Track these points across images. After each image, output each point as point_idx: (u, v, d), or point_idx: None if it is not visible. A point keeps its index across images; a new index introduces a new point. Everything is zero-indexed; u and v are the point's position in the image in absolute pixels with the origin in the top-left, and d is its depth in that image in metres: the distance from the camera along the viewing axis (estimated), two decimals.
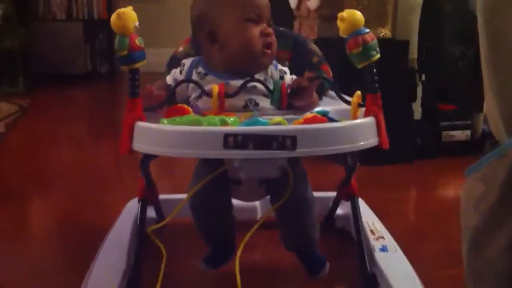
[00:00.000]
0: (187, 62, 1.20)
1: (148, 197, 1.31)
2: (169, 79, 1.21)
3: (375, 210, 1.57)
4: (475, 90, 2.29)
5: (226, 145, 0.92)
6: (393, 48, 2.21)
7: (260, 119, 0.97)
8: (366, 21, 1.06)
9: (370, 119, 1.03)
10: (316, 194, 1.25)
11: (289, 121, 1.01)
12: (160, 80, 1.21)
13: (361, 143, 0.99)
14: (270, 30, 1.15)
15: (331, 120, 1.05)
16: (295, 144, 0.92)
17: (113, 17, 0.99)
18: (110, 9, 4.71)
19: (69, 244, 1.54)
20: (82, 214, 1.76)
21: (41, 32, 4.44)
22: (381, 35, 2.24)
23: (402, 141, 2.24)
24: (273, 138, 0.91)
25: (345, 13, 1.04)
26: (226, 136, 0.91)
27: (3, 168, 2.34)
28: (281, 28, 1.38)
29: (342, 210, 1.56)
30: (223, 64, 1.14)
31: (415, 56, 2.43)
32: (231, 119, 0.99)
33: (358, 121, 1.01)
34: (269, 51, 1.15)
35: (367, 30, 1.04)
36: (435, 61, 2.37)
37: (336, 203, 1.51)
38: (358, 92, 1.09)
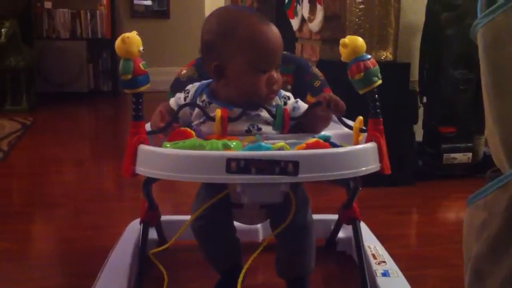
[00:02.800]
0: (192, 89, 1.21)
1: (150, 219, 1.31)
2: (172, 103, 1.21)
3: (377, 233, 1.57)
4: (477, 112, 2.30)
5: (228, 170, 0.92)
6: (394, 70, 2.22)
7: (262, 144, 0.98)
8: (367, 43, 1.07)
9: (372, 145, 1.03)
10: (317, 216, 1.24)
11: (292, 146, 1.02)
12: (164, 103, 1.22)
13: (363, 168, 0.99)
14: (277, 77, 1.15)
15: (333, 145, 1.05)
16: (297, 170, 0.92)
17: (118, 42, 1.00)
18: (114, 29, 4.76)
19: (71, 265, 1.54)
20: (85, 234, 1.76)
21: (46, 50, 4.48)
22: (382, 58, 2.25)
23: (403, 163, 2.24)
24: (275, 163, 0.92)
25: (347, 39, 1.05)
26: (229, 160, 0.92)
27: (5, 187, 2.34)
28: (284, 52, 1.39)
29: (343, 233, 1.56)
30: (227, 97, 1.15)
31: (417, 78, 2.44)
32: (234, 143, 0.99)
33: (360, 146, 1.02)
34: (273, 95, 1.16)
35: (369, 56, 1.05)
36: (436, 84, 2.37)
37: (337, 226, 1.51)
38: (360, 118, 1.09)
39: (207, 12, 4.45)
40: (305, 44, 2.67)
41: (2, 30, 3.73)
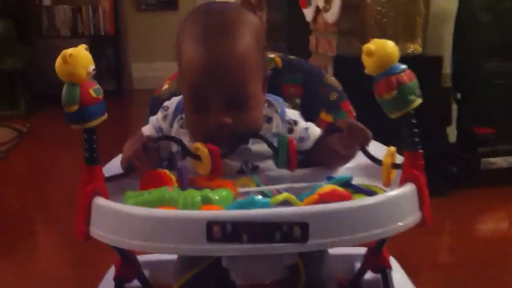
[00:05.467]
0: (171, 105, 0.95)
1: (125, 275, 1.05)
2: (148, 129, 0.95)
3: (404, 263, 1.29)
4: None
5: (210, 237, 0.66)
6: (424, 65, 1.94)
7: (257, 198, 0.71)
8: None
9: (410, 188, 0.76)
10: (338, 250, 0.95)
11: (299, 194, 0.74)
12: (138, 133, 0.95)
13: (399, 223, 0.73)
14: (222, 121, 0.84)
15: (356, 191, 0.77)
16: (306, 234, 0.66)
17: (58, 61, 0.74)
18: (118, 24, 4.50)
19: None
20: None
21: (45, 50, 4.23)
22: (409, 51, 1.98)
23: (435, 170, 1.95)
24: (275, 227, 0.66)
25: (373, 44, 0.77)
26: (210, 224, 0.66)
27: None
28: (290, 57, 1.11)
29: (370, 273, 1.28)
30: None
31: (449, 71, 2.16)
32: (218, 196, 0.72)
33: (394, 194, 0.74)
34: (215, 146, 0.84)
35: (404, 67, 0.77)
36: (470, 78, 2.11)
37: (363, 269, 1.22)
38: (392, 149, 0.82)
39: None
40: (320, 37, 2.38)
41: None
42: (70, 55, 0.73)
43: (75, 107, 0.75)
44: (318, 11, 2.36)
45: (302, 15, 2.52)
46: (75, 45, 0.78)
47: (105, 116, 0.78)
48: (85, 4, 4.45)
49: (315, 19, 2.41)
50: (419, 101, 0.78)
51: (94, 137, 0.78)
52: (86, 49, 0.76)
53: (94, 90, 0.76)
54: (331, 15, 2.18)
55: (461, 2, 2.08)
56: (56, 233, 1.84)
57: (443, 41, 2.18)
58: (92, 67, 0.76)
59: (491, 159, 2.11)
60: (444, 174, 2.06)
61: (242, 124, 0.85)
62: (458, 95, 2.16)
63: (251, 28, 0.87)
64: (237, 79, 0.83)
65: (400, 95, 0.76)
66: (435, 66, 2.01)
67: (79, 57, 0.75)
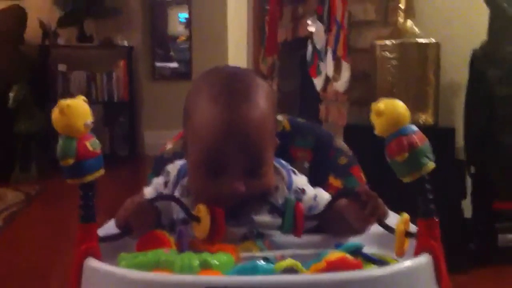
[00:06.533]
0: (172, 170, 0.90)
1: None
2: (148, 192, 0.90)
3: None
4: None
5: None
6: (436, 136, 1.86)
7: (259, 263, 0.65)
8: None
9: (425, 259, 0.70)
10: None
11: (306, 262, 0.69)
12: (139, 193, 0.91)
13: None
14: (236, 189, 0.79)
15: (367, 260, 0.72)
16: None
17: (55, 113, 0.71)
18: (132, 91, 4.57)
19: None
20: None
21: None
22: (421, 122, 1.94)
23: (452, 246, 1.86)
24: None
25: (383, 105, 0.74)
26: None
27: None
28: (299, 120, 1.08)
29: None
30: None
31: (461, 145, 2.11)
32: (216, 261, 0.67)
33: (408, 264, 0.68)
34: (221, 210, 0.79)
35: (415, 129, 0.74)
36: (487, 152, 2.05)
37: None
38: (406, 216, 0.77)
39: None
40: (330, 106, 2.37)
41: (10, 94, 3.55)
42: (68, 106, 0.71)
43: (71, 161, 0.71)
44: (327, 80, 2.36)
45: (313, 85, 2.52)
46: None
47: (102, 171, 0.75)
48: (100, 71, 4.54)
49: (324, 88, 2.41)
50: (432, 165, 0.73)
51: (91, 193, 0.74)
52: (84, 100, 0.74)
53: (91, 144, 0.73)
54: (341, 85, 2.17)
55: (472, 75, 2.06)
56: None
57: (454, 113, 2.15)
58: (90, 119, 0.72)
59: (510, 236, 2.02)
60: (462, 250, 1.97)
61: (255, 191, 0.80)
62: (472, 169, 2.11)
63: (267, 93, 0.84)
64: (256, 145, 0.79)
65: (412, 158, 0.72)
66: (448, 138, 1.96)
67: (77, 109, 0.72)
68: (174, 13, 5.13)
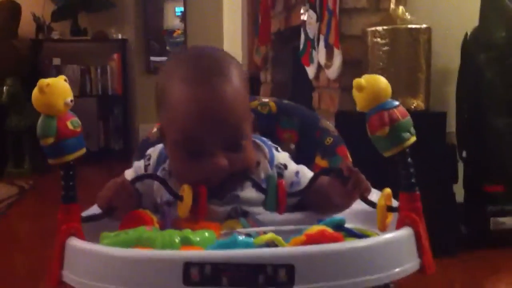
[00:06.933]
0: (153, 153, 0.91)
1: None
2: (129, 174, 0.90)
3: None
4: None
5: (187, 280, 0.61)
6: (428, 121, 1.90)
7: (239, 237, 0.65)
8: (394, 91, 0.75)
9: (406, 231, 0.70)
10: None
11: (286, 237, 0.69)
12: (120, 176, 0.91)
13: (396, 270, 0.67)
14: (220, 162, 0.79)
15: (349, 233, 0.72)
16: (292, 278, 0.60)
17: (35, 92, 0.71)
18: (126, 84, 4.56)
19: None
20: None
21: None
22: (412, 107, 1.93)
23: (443, 229, 1.87)
24: (258, 269, 0.60)
25: (364, 80, 0.74)
26: (187, 266, 0.60)
27: None
28: (284, 101, 1.08)
29: None
30: None
31: (453, 130, 2.11)
32: (198, 238, 0.67)
33: (389, 236, 0.68)
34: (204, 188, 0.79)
35: (396, 103, 0.73)
36: (477, 135, 2.07)
37: None
38: (387, 190, 0.77)
39: None
40: (322, 93, 2.37)
41: (4, 88, 3.54)
42: (48, 84, 0.70)
43: (51, 140, 0.71)
44: (320, 68, 2.35)
45: (305, 74, 2.52)
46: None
47: (84, 150, 0.74)
48: (93, 64, 4.52)
49: (317, 76, 2.41)
50: (413, 139, 0.73)
51: (72, 172, 0.73)
52: (65, 80, 0.73)
53: (72, 123, 0.72)
54: (333, 72, 2.17)
55: (464, 59, 2.06)
56: None
57: (446, 99, 2.15)
58: (70, 98, 0.72)
59: (501, 219, 2.03)
60: (453, 233, 1.97)
61: (237, 166, 0.81)
62: (464, 153, 2.11)
63: (238, 69, 0.84)
64: (232, 120, 0.79)
65: (394, 132, 0.72)
66: (439, 122, 1.96)
67: (57, 87, 0.71)
68: (170, 7, 5.11)
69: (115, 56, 4.55)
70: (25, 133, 3.73)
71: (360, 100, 0.74)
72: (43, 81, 0.71)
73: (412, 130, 0.74)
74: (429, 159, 1.75)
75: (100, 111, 4.51)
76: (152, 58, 4.93)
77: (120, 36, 4.62)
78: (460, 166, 2.10)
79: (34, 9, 4.44)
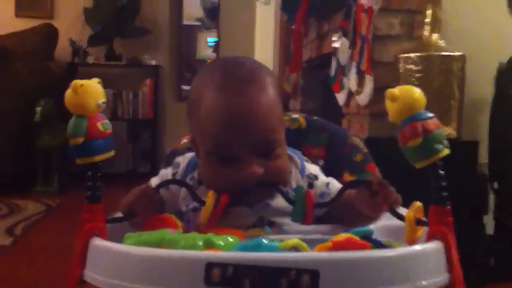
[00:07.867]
0: (182, 161, 0.91)
1: None
2: (156, 181, 0.90)
3: None
4: None
5: (208, 281, 0.60)
6: (459, 150, 1.85)
7: (264, 241, 0.64)
8: None
9: (435, 245, 0.68)
10: None
11: (311, 244, 0.68)
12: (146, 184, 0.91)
13: (423, 282, 0.64)
14: (253, 173, 0.79)
15: (376, 244, 0.70)
16: (316, 284, 0.59)
17: (68, 92, 0.72)
18: (156, 109, 4.61)
19: None
20: None
21: None
22: (444, 135, 1.89)
23: (471, 261, 1.82)
24: (282, 273, 0.59)
25: (398, 90, 0.73)
26: (210, 266, 0.59)
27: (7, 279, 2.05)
28: (314, 118, 1.08)
29: None
30: None
31: (485, 161, 2.06)
32: (221, 242, 0.66)
33: (417, 248, 0.66)
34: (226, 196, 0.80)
35: (430, 114, 0.73)
36: (509, 167, 2.00)
37: None
38: (418, 203, 0.75)
39: None
40: (352, 120, 2.36)
41: (38, 108, 3.61)
42: (81, 85, 0.71)
43: (80, 140, 0.72)
44: (350, 95, 2.34)
45: (335, 103, 2.51)
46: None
47: (112, 153, 0.75)
48: (126, 88, 4.59)
49: (347, 102, 2.40)
50: (446, 151, 0.72)
51: (98, 174, 0.74)
52: (99, 83, 0.74)
53: (103, 124, 0.73)
54: (363, 98, 2.15)
55: (498, 89, 2.02)
56: None
57: (479, 128, 2.11)
58: (102, 100, 0.73)
59: None
60: (482, 266, 1.91)
61: (272, 173, 0.80)
62: (495, 184, 2.06)
63: (272, 78, 0.85)
64: (266, 127, 0.80)
65: (426, 143, 0.71)
66: (471, 151, 1.91)
67: (90, 89, 0.73)
68: (203, 37, 5.17)
69: (148, 81, 4.62)
70: (54, 153, 3.78)
71: (393, 111, 0.73)
72: (77, 82, 0.72)
73: (445, 142, 0.73)
74: (459, 189, 1.71)
75: (130, 134, 4.56)
76: (183, 87, 4.96)
77: (153, 63, 4.70)
78: (491, 197, 2.05)
79: (71, 33, 4.55)
